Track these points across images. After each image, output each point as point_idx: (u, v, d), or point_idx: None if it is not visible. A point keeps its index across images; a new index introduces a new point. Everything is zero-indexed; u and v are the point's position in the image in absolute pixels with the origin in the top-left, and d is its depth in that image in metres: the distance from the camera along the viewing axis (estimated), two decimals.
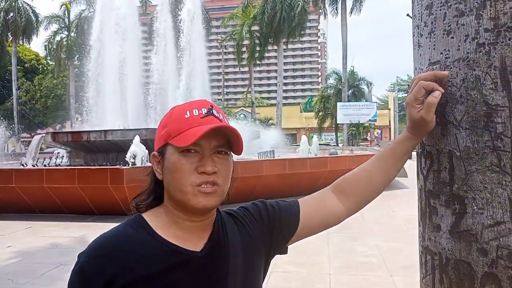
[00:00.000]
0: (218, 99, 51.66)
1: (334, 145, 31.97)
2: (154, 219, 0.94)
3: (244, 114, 41.80)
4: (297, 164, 10.27)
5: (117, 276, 0.85)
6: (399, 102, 46.19)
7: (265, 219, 1.05)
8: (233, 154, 0.96)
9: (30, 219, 7.83)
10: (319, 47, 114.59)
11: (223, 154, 0.92)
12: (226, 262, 0.94)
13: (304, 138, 15.29)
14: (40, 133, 18.21)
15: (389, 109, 50.20)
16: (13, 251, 5.75)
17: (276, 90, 37.19)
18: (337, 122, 34.60)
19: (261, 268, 1.03)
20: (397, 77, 62.36)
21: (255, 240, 1.02)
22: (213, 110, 0.92)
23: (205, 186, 0.88)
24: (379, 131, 46.62)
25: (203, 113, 0.91)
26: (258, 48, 32.62)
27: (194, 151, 0.89)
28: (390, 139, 43.15)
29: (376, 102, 43.22)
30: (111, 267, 0.86)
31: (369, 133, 40.03)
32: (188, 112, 0.91)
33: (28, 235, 6.76)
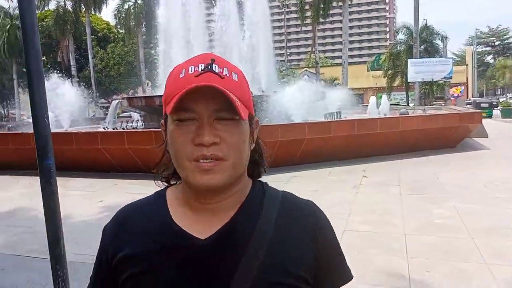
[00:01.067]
0: (281, 60, 50.96)
1: (405, 105, 30.44)
2: (172, 194, 0.85)
3: (307, 75, 40.92)
4: (367, 125, 9.95)
5: (119, 249, 0.81)
6: (478, 57, 42.24)
7: (321, 247, 0.81)
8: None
9: (114, 177, 8.52)
10: (386, 1, 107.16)
11: (229, 120, 0.74)
12: (235, 260, 0.75)
13: (372, 98, 14.70)
14: (116, 99, 19.39)
15: (467, 65, 46.28)
16: (103, 205, 6.35)
17: (341, 49, 35.73)
18: (408, 81, 32.65)
19: None
20: (476, 29, 56.75)
21: (292, 253, 0.78)
22: (214, 65, 0.74)
23: (204, 161, 0.72)
24: (462, 88, 42.51)
25: (199, 70, 0.74)
26: (322, 6, 31.29)
27: (191, 118, 0.73)
28: (467, 98, 40.01)
29: (452, 58, 39.88)
30: (119, 238, 0.83)
31: (450, 91, 37.12)
32: (183, 71, 0.75)
33: (114, 191, 7.39)
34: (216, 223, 0.78)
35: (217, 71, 0.74)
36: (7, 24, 34.24)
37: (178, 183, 0.86)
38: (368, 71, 49.88)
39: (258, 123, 0.85)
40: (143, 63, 33.39)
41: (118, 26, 38.63)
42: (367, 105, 18.08)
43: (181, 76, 0.75)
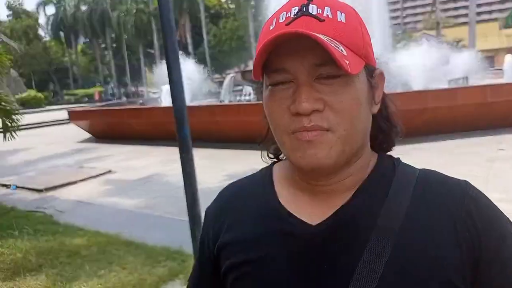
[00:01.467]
0: (396, 24, 47.29)
1: None
2: (279, 172, 0.71)
3: (426, 38, 37.41)
4: (503, 91, 8.75)
5: (222, 234, 0.70)
6: None
7: (466, 244, 0.58)
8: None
9: (231, 147, 9.01)
10: None
11: (335, 78, 0.55)
12: (354, 255, 0.58)
13: (509, 57, 12.79)
14: (229, 73, 20.27)
15: None
16: (226, 174, 6.79)
17: (466, 6, 31.66)
18: None
19: None
20: None
21: (431, 248, 0.57)
22: (310, 6, 0.56)
23: (302, 134, 0.56)
24: None
25: (291, 15, 0.56)
26: None
27: (285, 81, 0.57)
28: None
29: None
30: (221, 220, 0.71)
31: None
32: (274, 21, 0.58)
33: (234, 161, 7.82)
34: (329, 208, 0.62)
35: (314, 12, 0.56)
36: (133, 9, 37.93)
37: (285, 158, 0.71)
38: (500, 29, 43.53)
39: (383, 76, 0.64)
40: (253, 36, 34.15)
41: (229, 1, 39.92)
42: (499, 69, 15.86)
43: (271, 28, 0.58)
